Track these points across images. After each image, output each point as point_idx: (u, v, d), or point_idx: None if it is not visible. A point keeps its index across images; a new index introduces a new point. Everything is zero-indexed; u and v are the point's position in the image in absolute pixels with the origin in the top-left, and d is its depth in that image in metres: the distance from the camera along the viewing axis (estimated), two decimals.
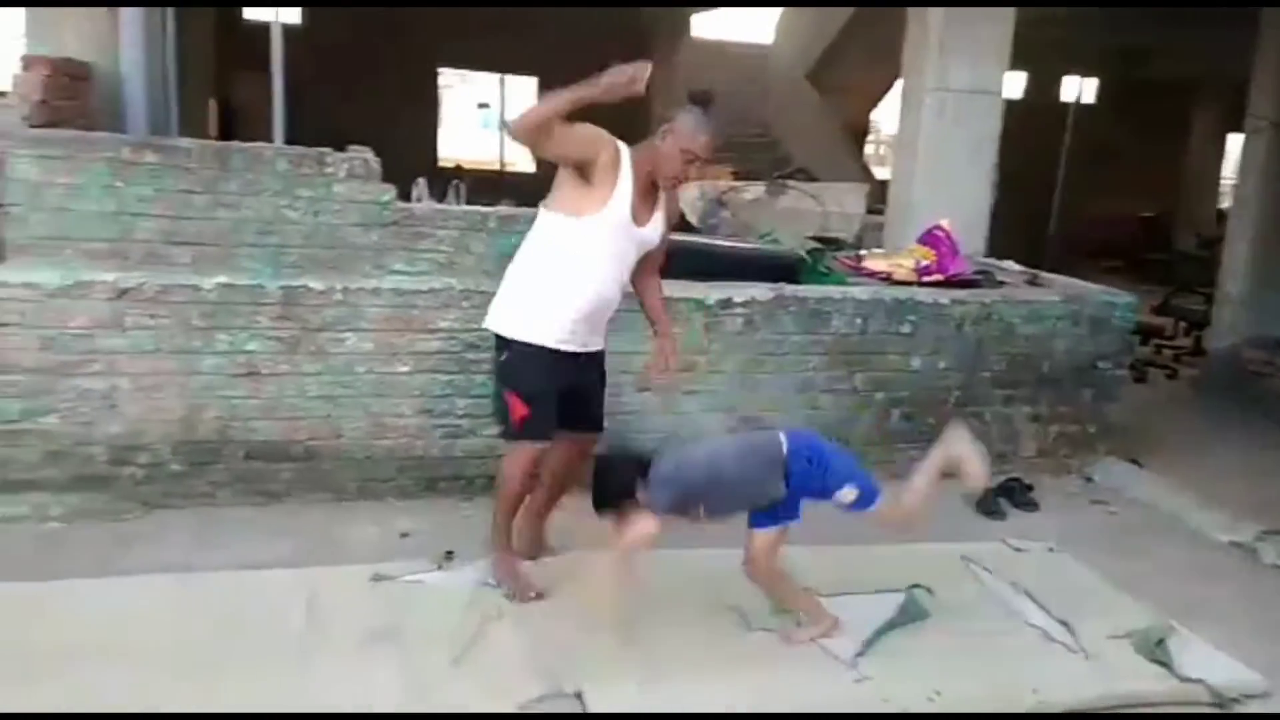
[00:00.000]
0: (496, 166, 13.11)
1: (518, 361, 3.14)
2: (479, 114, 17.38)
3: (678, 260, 4.70)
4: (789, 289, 4.45)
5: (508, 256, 4.08)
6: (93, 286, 3.56)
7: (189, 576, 3.28)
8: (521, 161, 13.63)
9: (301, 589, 3.21)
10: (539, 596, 3.22)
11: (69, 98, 3.87)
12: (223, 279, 3.70)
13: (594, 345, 3.28)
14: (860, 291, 4.60)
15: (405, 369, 3.99)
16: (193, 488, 3.85)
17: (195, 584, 3.22)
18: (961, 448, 3.14)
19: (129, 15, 4.10)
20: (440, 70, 12.26)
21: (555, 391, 3.17)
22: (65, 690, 2.53)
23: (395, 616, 3.08)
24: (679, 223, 6.10)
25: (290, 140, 4.32)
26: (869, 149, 15.62)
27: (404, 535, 3.78)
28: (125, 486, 3.77)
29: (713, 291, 4.31)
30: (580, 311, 3.13)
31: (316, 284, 3.82)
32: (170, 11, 4.30)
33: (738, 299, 4.32)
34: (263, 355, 3.81)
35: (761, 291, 4.37)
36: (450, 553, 3.53)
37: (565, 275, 3.11)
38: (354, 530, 3.81)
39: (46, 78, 3.65)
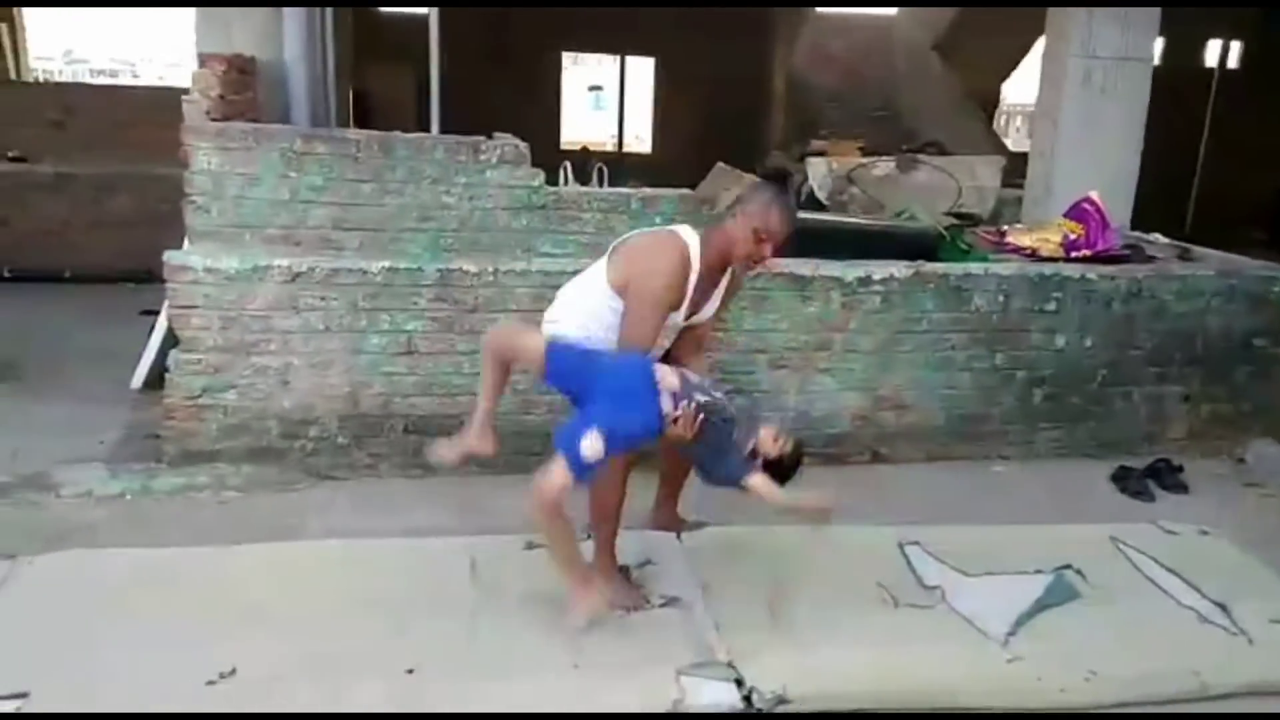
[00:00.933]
0: (608, 147, 13.28)
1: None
2: (589, 96, 17.57)
3: (808, 239, 4.73)
4: (928, 266, 4.41)
5: None
6: (269, 270, 3.82)
7: (358, 542, 3.49)
8: (639, 141, 13.74)
9: (464, 555, 3.40)
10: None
11: (239, 92, 4.14)
12: (386, 263, 3.91)
13: None
14: (1003, 268, 4.52)
15: None
16: (357, 460, 4.09)
17: (365, 549, 3.44)
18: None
19: (292, 11, 4.33)
20: (563, 54, 12.44)
21: None
22: (251, 646, 2.75)
23: (551, 582, 3.23)
24: (806, 201, 6.14)
25: (423, 129, 4.50)
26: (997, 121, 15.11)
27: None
28: (296, 458, 4.04)
29: (851, 269, 4.31)
30: None
31: (470, 266, 3.99)
32: (329, 8, 4.53)
33: (876, 276, 4.30)
34: (421, 334, 4.01)
35: (900, 269, 4.34)
36: None
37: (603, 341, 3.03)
38: (504, 501, 3.95)
39: (222, 74, 3.92)
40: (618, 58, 13.11)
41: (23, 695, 2.47)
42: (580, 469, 2.63)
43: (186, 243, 4.37)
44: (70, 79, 15.91)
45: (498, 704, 2.58)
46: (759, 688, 2.68)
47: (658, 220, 4.20)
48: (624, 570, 3.26)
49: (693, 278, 2.95)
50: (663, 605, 3.12)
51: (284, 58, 4.43)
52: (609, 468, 2.86)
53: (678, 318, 3.02)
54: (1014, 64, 12.31)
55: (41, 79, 12.73)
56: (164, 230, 7.15)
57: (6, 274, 7.41)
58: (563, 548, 2.81)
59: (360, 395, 4.03)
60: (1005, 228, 5.30)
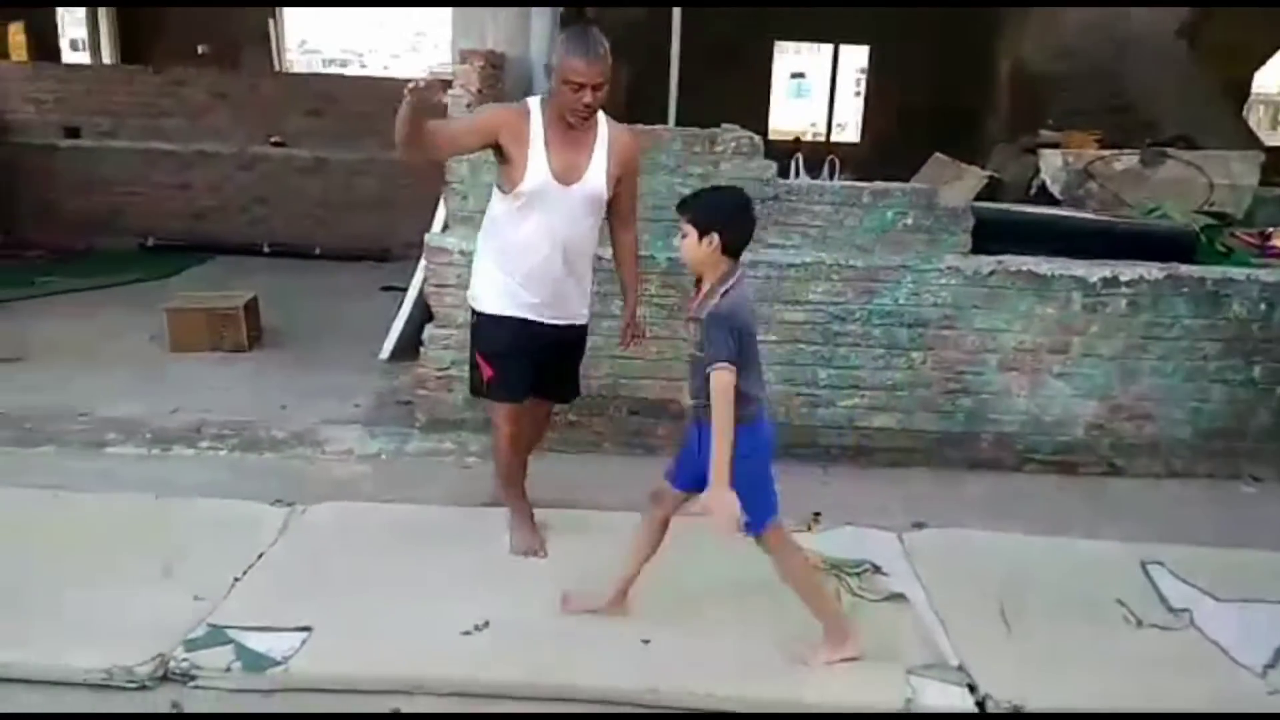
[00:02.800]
0: (809, 136, 13.08)
1: (479, 328, 3.22)
2: (790, 84, 17.34)
3: (1044, 236, 4.54)
4: (1184, 268, 4.13)
5: (879, 231, 4.17)
6: None
7: (590, 513, 3.66)
8: (847, 131, 13.49)
9: (682, 536, 3.47)
10: (539, 554, 3.28)
11: (492, 86, 4.40)
12: None
13: (563, 318, 3.20)
14: (1268, 273, 4.17)
15: (773, 338, 4.16)
16: (583, 436, 4.29)
17: (595, 520, 3.60)
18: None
19: (540, 11, 4.57)
20: (774, 43, 12.37)
21: (520, 356, 3.15)
22: (501, 603, 2.95)
23: (772, 570, 3.27)
24: (1039, 195, 5.86)
25: (634, 117, 4.61)
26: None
27: None
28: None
29: (1095, 269, 4.10)
30: (518, 280, 3.09)
31: None
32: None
33: (1124, 277, 4.08)
34: (648, 320, 4.14)
35: (1152, 270, 4.09)
36: (818, 514, 3.69)
37: (501, 247, 3.11)
38: None
39: (480, 69, 4.18)
40: (829, 46, 12.91)
41: (307, 629, 2.76)
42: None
43: (437, 225, 4.70)
44: (304, 69, 17.24)
45: (728, 688, 2.65)
46: (994, 695, 2.64)
47: (889, 215, 4.16)
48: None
49: (534, 132, 2.93)
50: (884, 600, 3.11)
51: (530, 54, 4.66)
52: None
53: (564, 190, 2.97)
54: (1272, 50, 11.21)
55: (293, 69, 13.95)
56: (402, 213, 7.77)
57: (266, 249, 8.21)
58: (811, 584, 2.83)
59: (590, 375, 4.21)
60: (1270, 229, 4.88)
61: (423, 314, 4.75)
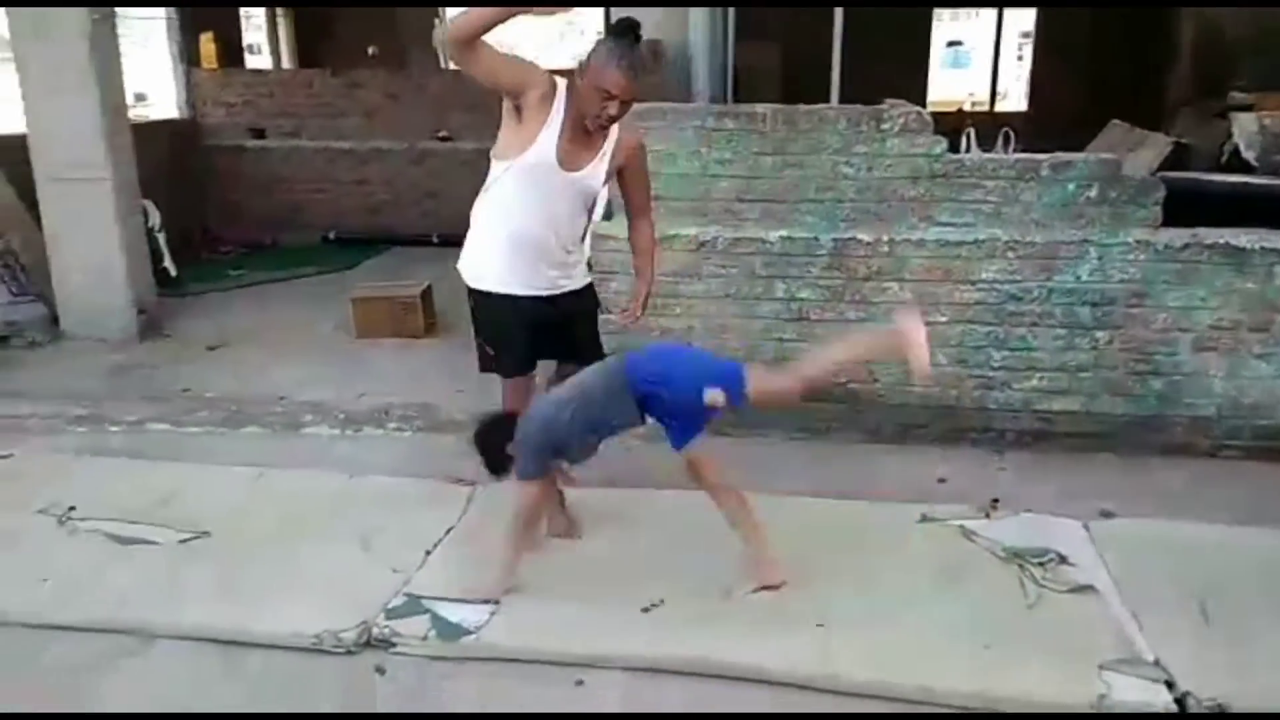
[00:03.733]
0: (967, 106, 12.53)
1: (474, 305, 3.16)
2: (947, 53, 16.64)
3: (1240, 206, 4.23)
4: None
5: (1059, 206, 3.99)
6: (678, 239, 4.10)
7: (759, 497, 3.67)
8: (1010, 99, 12.88)
9: (855, 520, 3.48)
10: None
11: (653, 74, 4.44)
12: (784, 232, 4.05)
13: (555, 289, 3.10)
14: None
15: (943, 319, 4.05)
16: (746, 419, 4.29)
17: (758, 503, 3.60)
18: (909, 327, 2.77)
19: None
20: (933, 11, 11.94)
21: (518, 332, 3.10)
22: (678, 584, 3.00)
23: (950, 557, 3.21)
24: (1231, 161, 5.45)
25: (787, 99, 4.54)
26: None
27: (941, 480, 3.89)
28: None
29: None
30: (506, 255, 3.02)
31: (865, 236, 4.02)
32: None
33: None
34: (812, 302, 4.12)
35: None
36: (996, 501, 3.58)
37: (491, 220, 3.04)
38: (892, 471, 3.99)
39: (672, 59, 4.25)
40: (991, 11, 12.34)
41: (495, 602, 2.90)
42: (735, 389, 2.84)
43: (598, 212, 4.79)
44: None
45: (905, 675, 2.61)
46: (1195, 693, 2.50)
47: (1070, 188, 3.97)
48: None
49: (558, 109, 2.87)
50: (1070, 592, 3.00)
51: (689, 38, 4.68)
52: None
53: (564, 174, 2.91)
54: None
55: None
56: None
57: (435, 239, 8.58)
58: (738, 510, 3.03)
59: (753, 358, 4.22)
60: None
61: None
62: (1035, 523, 3.42)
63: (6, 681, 2.65)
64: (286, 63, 12.30)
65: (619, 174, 3.09)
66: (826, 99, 4.42)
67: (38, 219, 5.75)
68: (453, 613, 2.82)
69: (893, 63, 10.00)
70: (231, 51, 10.56)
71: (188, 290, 6.93)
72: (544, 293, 3.09)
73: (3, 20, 5.75)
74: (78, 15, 5.21)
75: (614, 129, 2.99)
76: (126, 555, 3.20)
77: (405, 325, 5.73)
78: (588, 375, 2.94)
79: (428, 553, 3.19)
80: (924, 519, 3.47)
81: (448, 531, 3.34)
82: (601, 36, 2.99)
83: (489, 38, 2.75)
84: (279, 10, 12.19)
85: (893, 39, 10.38)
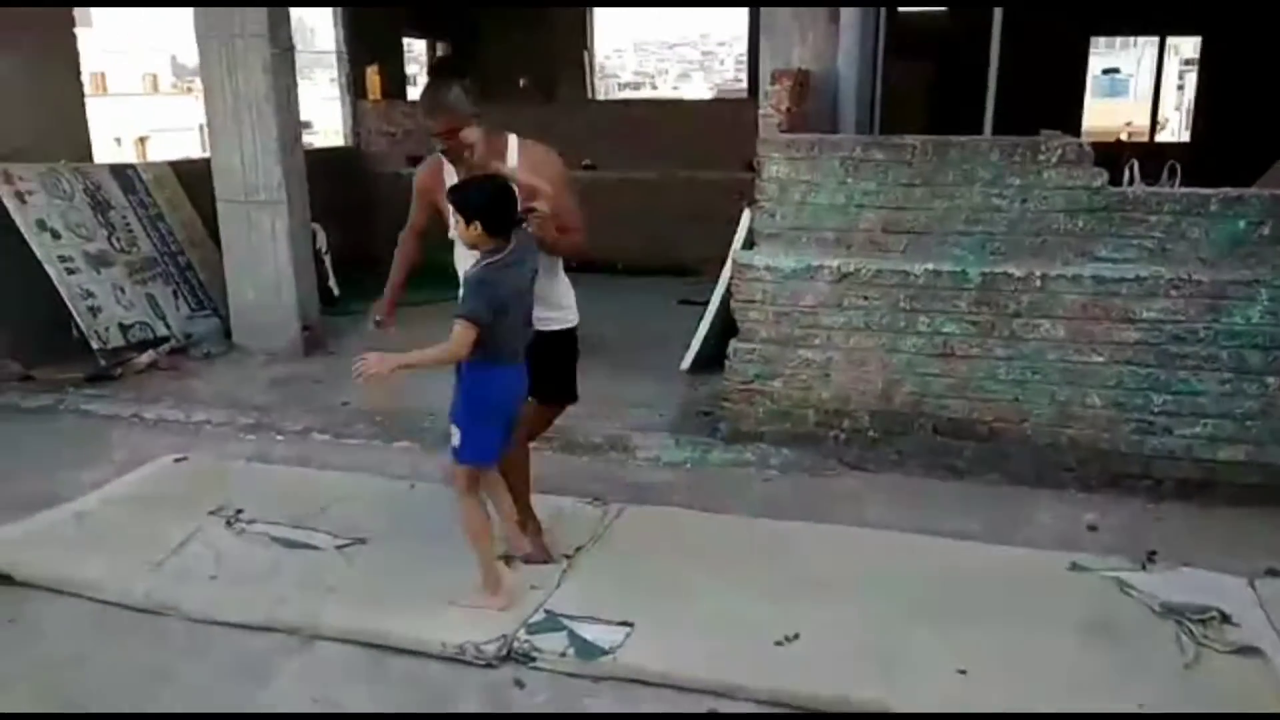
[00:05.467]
0: (1123, 136, 11.97)
1: None
2: (1101, 80, 15.99)
3: None
4: None
5: (1228, 243, 3.78)
6: (821, 270, 4.10)
7: (892, 535, 3.61)
8: (1171, 128, 12.26)
9: (998, 565, 3.36)
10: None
11: (800, 104, 4.47)
12: (929, 265, 3.99)
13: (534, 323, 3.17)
14: None
15: (1099, 359, 3.90)
16: (884, 455, 4.23)
17: (900, 543, 3.54)
18: None
19: (848, 23, 4.57)
20: (1090, 38, 11.50)
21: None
22: (812, 617, 2.98)
23: (1101, 609, 3.07)
24: None
25: (933, 124, 4.46)
26: None
27: (1091, 528, 3.72)
28: (829, 447, 4.29)
29: None
30: None
31: (1016, 270, 3.91)
32: (882, 13, 4.70)
33: None
34: (958, 337, 4.03)
35: None
36: (1153, 553, 3.39)
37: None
38: (1037, 515, 3.85)
39: (791, 88, 4.27)
40: (1150, 39, 11.79)
41: (630, 624, 2.94)
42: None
43: (738, 241, 4.84)
44: (602, 94, 18.27)
45: None
46: None
47: (1241, 225, 3.76)
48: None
49: (448, 179, 3.11)
50: (1234, 653, 2.81)
51: (836, 68, 4.67)
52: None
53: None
54: None
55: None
56: (699, 229, 8.03)
57: (573, 265, 8.80)
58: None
59: (893, 393, 4.16)
60: None
61: (722, 327, 4.91)
62: (1196, 578, 3.23)
63: (181, 674, 2.86)
64: None
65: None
66: (975, 126, 4.32)
67: (217, 239, 6.21)
68: (589, 632, 2.88)
69: (1047, 90, 9.69)
70: (395, 83, 11.17)
71: (350, 309, 7.32)
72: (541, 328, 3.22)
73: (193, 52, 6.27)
74: (261, 49, 5.63)
75: (515, 155, 3.16)
76: (289, 558, 3.41)
77: None
78: None
79: (564, 571, 3.27)
80: (1074, 567, 3.33)
81: (579, 550, 3.42)
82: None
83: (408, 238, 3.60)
84: (439, 44, 12.82)
85: (1047, 66, 10.06)
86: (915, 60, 9.50)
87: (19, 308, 5.73)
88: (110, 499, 3.88)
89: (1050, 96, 9.97)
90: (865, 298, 4.09)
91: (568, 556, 3.37)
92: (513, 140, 3.20)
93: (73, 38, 6.46)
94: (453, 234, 3.16)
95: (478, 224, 2.85)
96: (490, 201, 2.87)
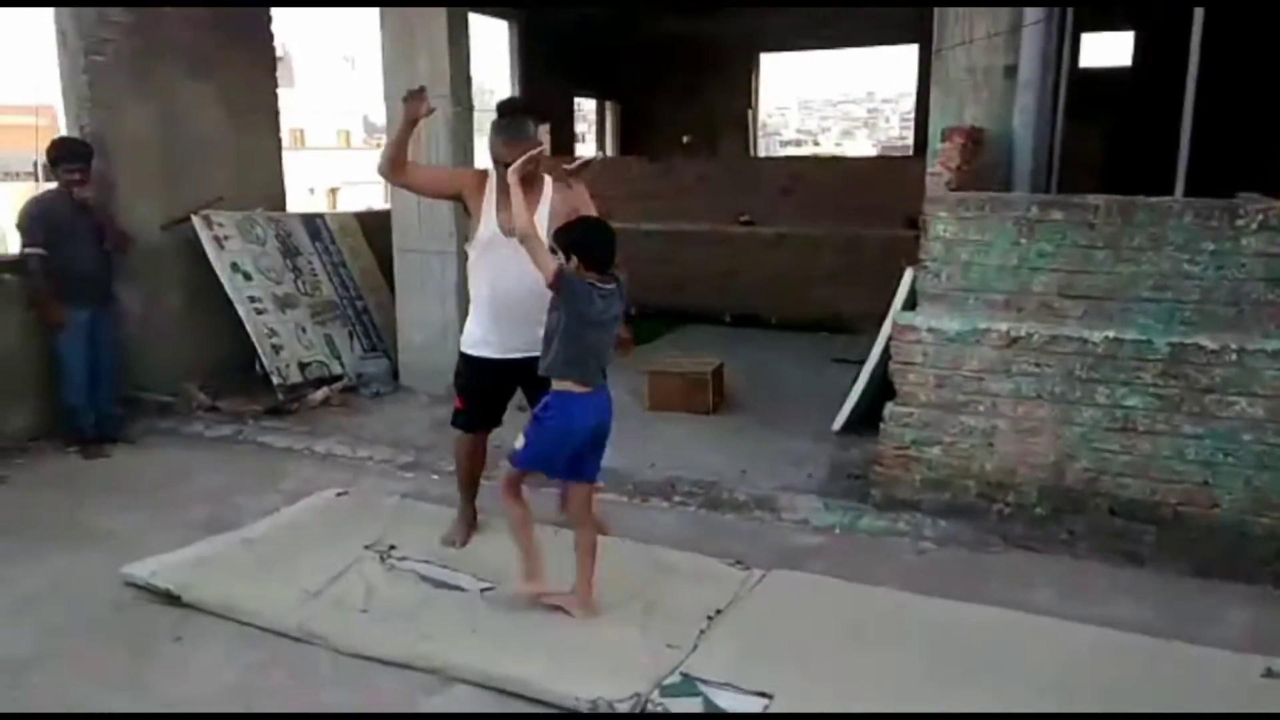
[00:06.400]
0: None
1: (459, 365, 3.80)
2: None
3: None
4: None
5: None
6: (987, 334, 3.90)
7: (1058, 622, 3.33)
8: None
9: (1180, 667, 3.05)
10: (455, 544, 3.88)
11: (971, 162, 4.30)
12: (1110, 333, 3.73)
13: (525, 350, 3.50)
14: None
15: None
16: (1052, 533, 3.95)
17: (1066, 632, 3.26)
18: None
19: (1027, 81, 4.38)
20: None
21: (481, 393, 3.75)
22: (967, 705, 2.77)
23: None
24: None
25: (1107, 184, 4.16)
26: None
27: None
28: (991, 521, 4.03)
29: None
30: (488, 317, 3.65)
31: (1209, 343, 3.60)
32: (1063, 68, 4.49)
33: None
34: (1141, 411, 3.73)
35: None
36: None
37: (475, 294, 3.71)
38: (1226, 612, 3.48)
39: (962, 145, 4.12)
40: None
41: (768, 695, 2.82)
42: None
43: (898, 301, 4.68)
44: (763, 150, 18.36)
45: None
46: None
47: None
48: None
49: (490, 190, 3.58)
50: None
51: (1013, 128, 4.48)
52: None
53: (490, 225, 3.55)
54: None
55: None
56: (856, 287, 7.87)
57: (728, 318, 8.78)
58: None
59: (1065, 468, 3.89)
60: None
61: (878, 388, 4.74)
62: None
63: (326, 707, 2.93)
64: (610, 150, 13.29)
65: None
66: (1159, 187, 4.01)
67: (391, 285, 6.54)
68: (725, 700, 2.79)
69: (1243, 146, 9.01)
70: (563, 140, 11.58)
71: None
72: (520, 355, 3.55)
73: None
74: (443, 108, 5.94)
75: (547, 190, 3.61)
76: (435, 597, 3.48)
77: (695, 401, 5.86)
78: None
79: (701, 632, 3.19)
80: (1269, 674, 2.98)
81: (718, 613, 3.32)
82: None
83: (416, 160, 3.81)
84: (608, 103, 13.25)
85: (1242, 120, 9.36)
86: (1094, 117, 9.08)
87: (211, 343, 6.20)
88: (276, 528, 4.08)
89: (1247, 152, 9.27)
90: (1037, 364, 3.85)
91: (709, 618, 3.28)
92: (547, 178, 3.65)
93: (275, 97, 7.03)
94: (469, 246, 3.67)
95: (575, 257, 3.12)
96: (585, 236, 3.18)
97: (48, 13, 5.72)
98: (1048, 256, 3.83)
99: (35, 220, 5.02)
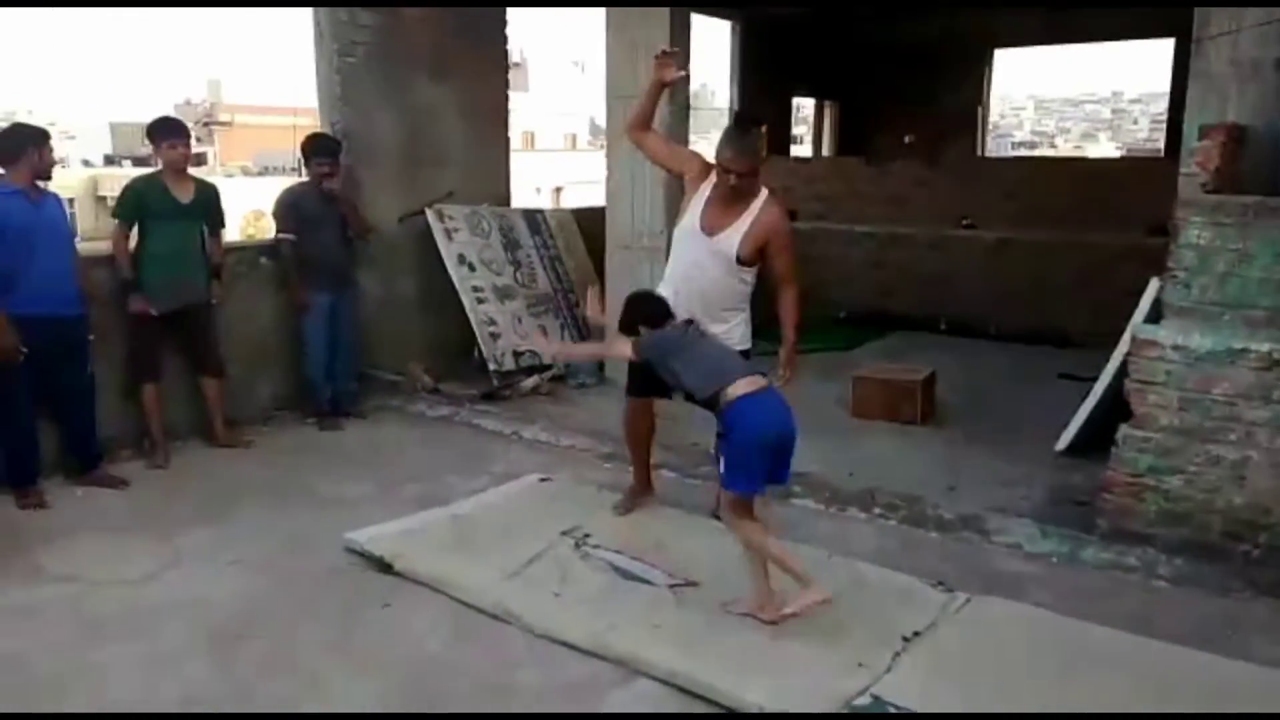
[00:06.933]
0: None
1: None
2: None
3: None
4: None
5: None
6: (1244, 354, 3.49)
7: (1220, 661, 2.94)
8: None
9: None
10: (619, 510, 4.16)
11: (1232, 163, 3.85)
12: None
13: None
14: None
15: None
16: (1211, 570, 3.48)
17: (1232, 673, 2.86)
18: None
19: None
20: None
21: (645, 363, 3.57)
22: None
23: None
24: None
25: None
26: None
27: None
28: (1236, 563, 3.61)
29: None
30: (669, 294, 3.67)
31: None
32: None
33: None
34: None
35: None
36: None
37: (667, 272, 3.90)
38: None
39: (1223, 144, 3.69)
40: None
41: None
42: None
43: (1139, 314, 4.28)
44: (993, 152, 17.39)
45: None
46: None
47: None
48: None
49: (707, 186, 3.70)
50: None
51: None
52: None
53: (702, 237, 3.70)
54: None
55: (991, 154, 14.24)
56: (1087, 298, 7.30)
57: (943, 326, 8.37)
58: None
59: (1229, 497, 3.41)
60: None
61: (1109, 409, 4.35)
62: None
63: (518, 688, 3.01)
64: (826, 151, 13.04)
65: (764, 248, 3.69)
66: None
67: (603, 280, 6.69)
68: None
69: None
70: (779, 141, 11.47)
71: None
72: None
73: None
74: (663, 106, 6.00)
75: (756, 207, 3.66)
76: (624, 589, 3.51)
77: (902, 410, 5.62)
78: (722, 352, 3.57)
79: (896, 654, 3.03)
80: None
81: (915, 635, 3.15)
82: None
83: (658, 127, 4.05)
84: (826, 103, 12.99)
85: None
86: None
87: (435, 328, 6.58)
88: (482, 507, 4.27)
89: None
90: None
91: (905, 639, 3.12)
92: (764, 194, 3.72)
93: (505, 99, 7.36)
94: (682, 224, 3.79)
95: (640, 329, 3.45)
96: (633, 312, 3.51)
97: (307, 14, 6.25)
98: None
99: (287, 209, 5.51)
